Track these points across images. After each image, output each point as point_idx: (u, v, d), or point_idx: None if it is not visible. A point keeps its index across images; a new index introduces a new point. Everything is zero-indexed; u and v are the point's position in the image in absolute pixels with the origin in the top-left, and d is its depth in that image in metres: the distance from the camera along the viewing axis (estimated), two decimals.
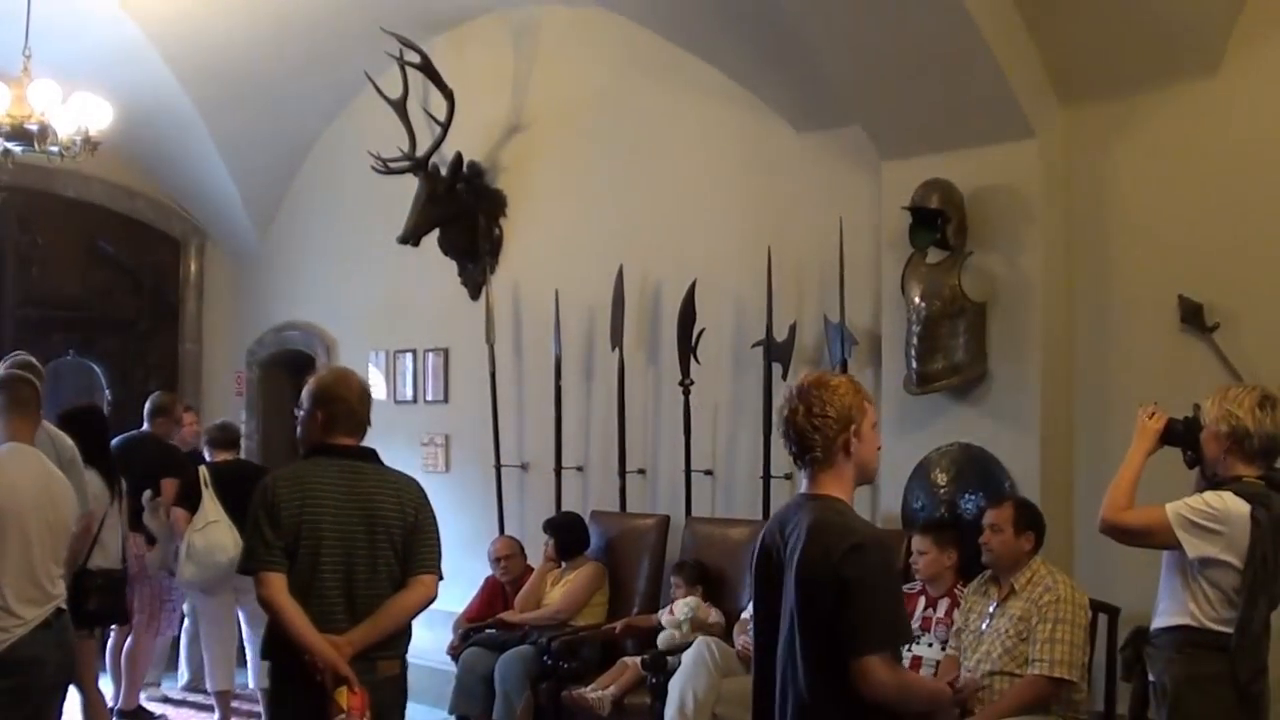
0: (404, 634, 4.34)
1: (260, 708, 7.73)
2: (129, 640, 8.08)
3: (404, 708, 4.44)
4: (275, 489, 4.20)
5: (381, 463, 4.43)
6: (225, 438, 8.07)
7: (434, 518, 4.40)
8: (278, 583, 4.12)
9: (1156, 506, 4.27)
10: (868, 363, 6.62)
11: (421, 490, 4.44)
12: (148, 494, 7.82)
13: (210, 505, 7.45)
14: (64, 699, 4.82)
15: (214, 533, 7.34)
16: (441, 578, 4.38)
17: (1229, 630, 4.14)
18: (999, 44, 5.63)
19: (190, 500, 7.60)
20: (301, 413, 4.40)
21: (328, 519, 4.18)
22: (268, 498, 4.18)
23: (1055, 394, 5.96)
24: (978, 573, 5.48)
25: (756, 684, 3.51)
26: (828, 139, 6.88)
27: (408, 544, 4.27)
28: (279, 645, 4.19)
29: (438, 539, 4.38)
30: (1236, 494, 4.18)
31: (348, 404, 4.35)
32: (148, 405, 8.47)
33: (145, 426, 8.40)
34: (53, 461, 4.96)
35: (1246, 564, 4.11)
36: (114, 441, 8.15)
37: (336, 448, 4.32)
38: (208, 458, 7.98)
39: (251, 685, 7.80)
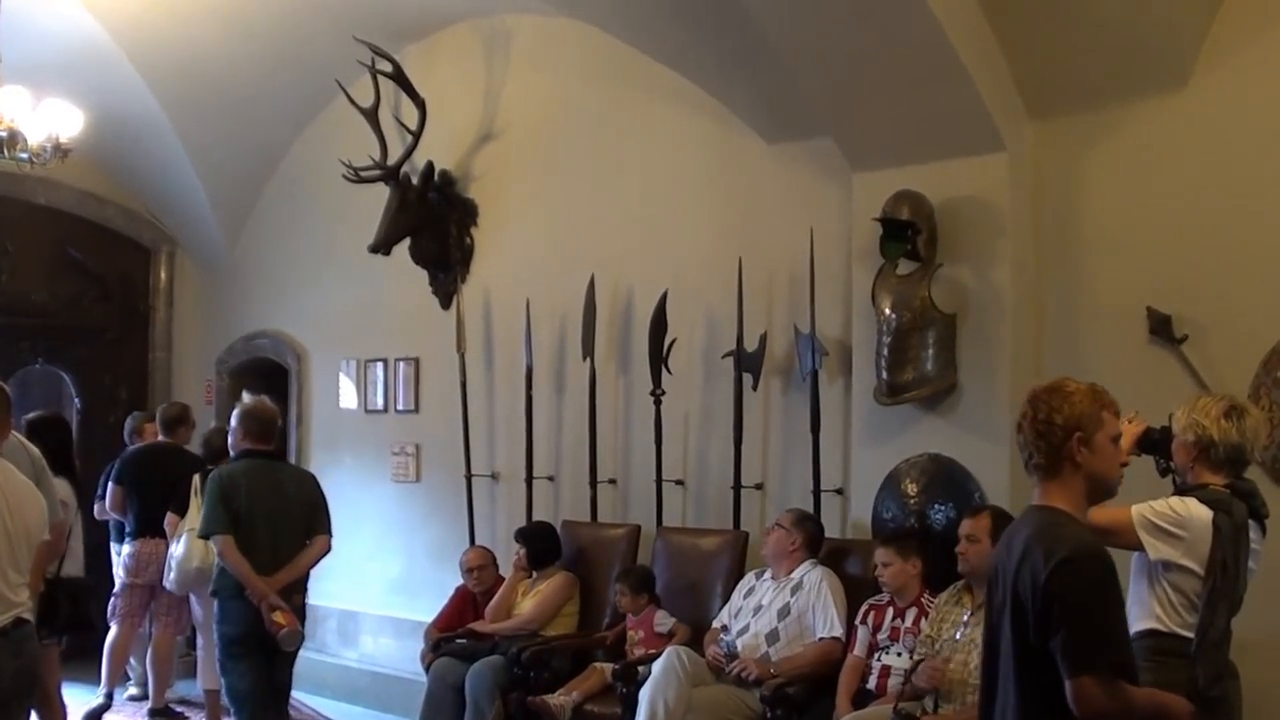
0: (307, 575, 6.28)
1: (204, 710, 7.93)
2: (154, 641, 8.27)
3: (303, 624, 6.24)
4: (224, 479, 6.09)
5: (287, 461, 6.18)
6: (217, 447, 8.04)
7: (324, 496, 6.34)
8: (230, 542, 5.96)
9: (1123, 507, 4.30)
10: (838, 373, 6.63)
11: (315, 478, 6.53)
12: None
13: (195, 515, 7.42)
14: (26, 709, 4.74)
15: (188, 542, 7.42)
16: (331, 536, 6.28)
17: (1193, 635, 4.17)
18: (970, 57, 5.66)
19: (181, 506, 7.66)
20: (231, 428, 6.37)
21: (258, 499, 6.05)
22: (221, 485, 6.05)
23: None
24: (945, 582, 5.49)
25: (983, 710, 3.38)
26: (799, 150, 6.90)
27: (309, 515, 6.21)
28: (229, 583, 6.01)
29: (328, 510, 6.31)
30: (1201, 500, 4.21)
31: (262, 422, 6.27)
32: (162, 415, 8.50)
33: (161, 437, 8.41)
34: (24, 471, 4.90)
35: (1207, 570, 4.14)
36: (133, 452, 8.42)
37: (257, 451, 6.24)
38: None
39: (200, 688, 7.90)
